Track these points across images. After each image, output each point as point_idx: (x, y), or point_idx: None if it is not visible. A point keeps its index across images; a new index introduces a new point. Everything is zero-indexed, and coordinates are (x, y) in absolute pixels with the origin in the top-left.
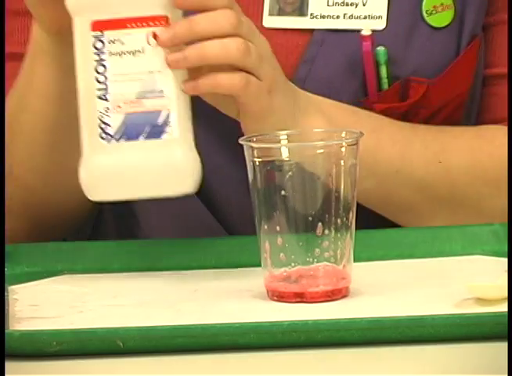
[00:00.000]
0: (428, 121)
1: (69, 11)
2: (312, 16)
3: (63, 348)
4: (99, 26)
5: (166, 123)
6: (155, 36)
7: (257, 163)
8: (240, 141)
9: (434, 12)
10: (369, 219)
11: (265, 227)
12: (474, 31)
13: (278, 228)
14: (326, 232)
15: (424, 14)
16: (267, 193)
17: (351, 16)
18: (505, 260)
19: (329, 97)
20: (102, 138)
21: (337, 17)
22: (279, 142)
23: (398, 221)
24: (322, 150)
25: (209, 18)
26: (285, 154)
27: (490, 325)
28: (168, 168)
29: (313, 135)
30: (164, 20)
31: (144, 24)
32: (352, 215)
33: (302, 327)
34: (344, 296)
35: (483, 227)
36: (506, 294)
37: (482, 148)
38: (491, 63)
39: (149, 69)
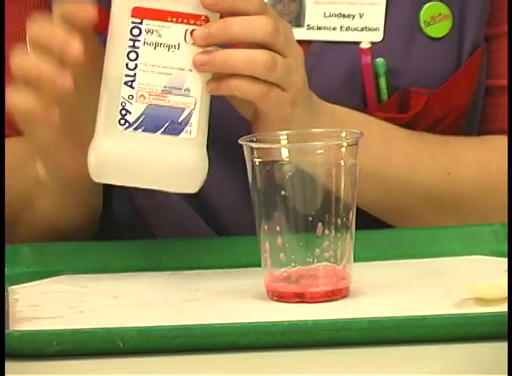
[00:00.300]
0: (429, 130)
1: None
2: (309, 27)
3: (63, 348)
4: (140, 13)
5: (186, 122)
6: (192, 34)
7: (257, 163)
8: (240, 141)
9: (432, 22)
10: (369, 219)
11: (265, 227)
12: (476, 41)
13: (278, 228)
14: (326, 232)
15: (422, 25)
16: (267, 194)
17: (348, 28)
18: (505, 260)
19: None
20: (121, 124)
21: (334, 29)
22: (279, 142)
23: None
24: (322, 151)
25: (245, 23)
26: (285, 155)
27: (490, 325)
28: (179, 165)
29: (313, 136)
30: (204, 21)
31: (185, 21)
32: (352, 215)
33: (302, 327)
34: (344, 296)
35: (483, 227)
36: (506, 294)
37: (491, 160)
38: (497, 74)
39: (180, 66)
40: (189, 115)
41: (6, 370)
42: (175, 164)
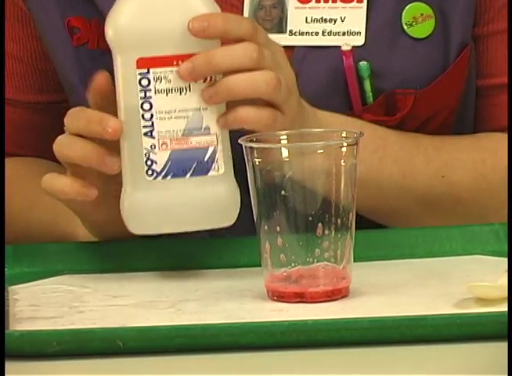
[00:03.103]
0: (419, 130)
1: (112, 48)
2: (291, 33)
3: (63, 348)
4: (145, 63)
5: (212, 160)
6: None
7: (257, 163)
8: (240, 141)
9: (414, 23)
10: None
11: (265, 227)
12: (463, 40)
13: (278, 228)
14: (326, 232)
15: (405, 26)
16: (267, 194)
17: (330, 33)
18: (505, 260)
19: None
20: (148, 174)
21: (316, 34)
22: (278, 142)
23: None
24: (322, 150)
25: (227, 52)
26: (285, 154)
27: (490, 325)
28: (214, 203)
29: (313, 136)
30: None
31: None
32: (352, 216)
33: (302, 327)
34: (344, 296)
35: (483, 227)
36: (506, 294)
37: (485, 161)
38: (489, 74)
39: (195, 106)
40: (214, 152)
41: (6, 370)
42: (210, 204)
